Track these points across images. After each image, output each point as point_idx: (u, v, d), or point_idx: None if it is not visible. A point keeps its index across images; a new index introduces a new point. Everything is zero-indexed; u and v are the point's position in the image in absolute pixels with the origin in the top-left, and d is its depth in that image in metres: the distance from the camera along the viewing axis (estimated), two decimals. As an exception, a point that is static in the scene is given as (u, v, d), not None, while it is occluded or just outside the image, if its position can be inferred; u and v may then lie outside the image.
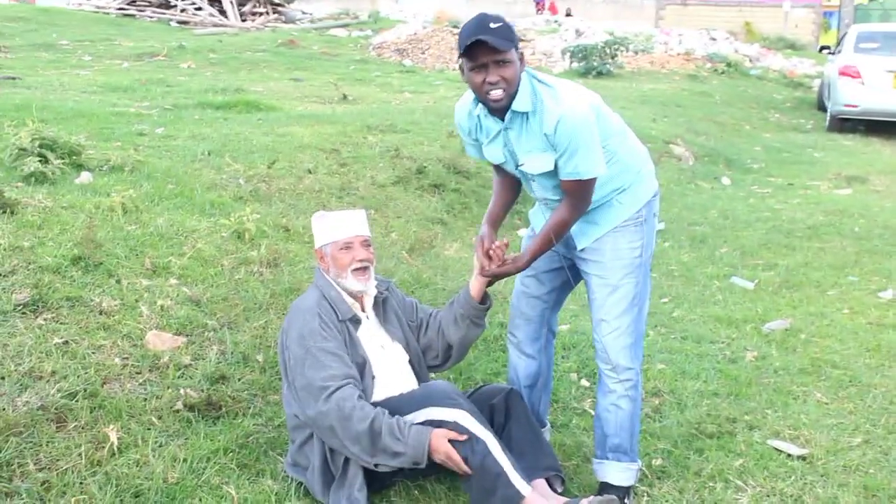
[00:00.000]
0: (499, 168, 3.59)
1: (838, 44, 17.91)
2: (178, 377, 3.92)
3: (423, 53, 20.23)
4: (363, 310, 3.63)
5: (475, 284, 3.64)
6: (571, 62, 19.36)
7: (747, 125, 15.39)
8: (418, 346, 3.76)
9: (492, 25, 3.10)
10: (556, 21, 29.43)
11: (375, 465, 3.22)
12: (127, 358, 3.92)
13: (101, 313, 4.13)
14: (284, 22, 25.80)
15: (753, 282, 6.54)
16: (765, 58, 25.09)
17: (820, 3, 40.25)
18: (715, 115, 15.18)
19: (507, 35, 3.12)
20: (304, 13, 27.85)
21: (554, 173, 3.31)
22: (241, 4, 25.58)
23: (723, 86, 19.02)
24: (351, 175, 7.21)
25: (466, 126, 3.47)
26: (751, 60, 24.01)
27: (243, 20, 24.93)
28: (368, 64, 18.89)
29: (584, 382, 4.70)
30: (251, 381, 4.08)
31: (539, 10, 38.93)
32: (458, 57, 3.18)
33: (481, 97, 3.22)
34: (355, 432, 3.19)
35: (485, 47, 3.09)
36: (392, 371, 3.59)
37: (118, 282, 4.43)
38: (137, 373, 3.86)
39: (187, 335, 4.22)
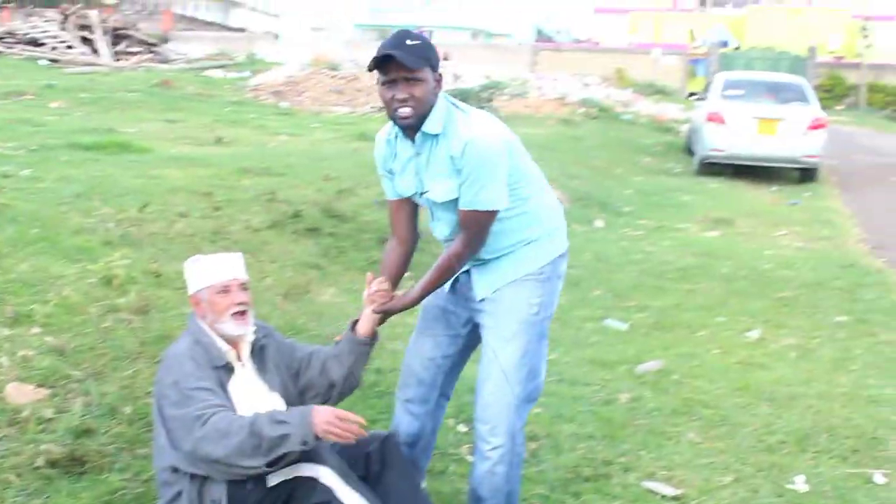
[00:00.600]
0: (397, 214, 3.55)
1: (705, 90, 18.59)
2: (40, 432, 3.74)
3: (299, 96, 20.18)
4: (239, 357, 3.52)
5: (363, 321, 3.59)
6: (448, 106, 19.58)
7: (619, 168, 15.78)
8: (296, 390, 3.67)
9: (408, 42, 3.09)
10: (433, 65, 29.79)
11: (269, 465, 3.09)
12: (-16, 412, 3.73)
13: (-45, 366, 3.94)
14: (159, 62, 25.43)
15: (626, 323, 6.67)
16: (636, 103, 25.88)
17: (687, 51, 41.76)
18: (588, 159, 15.52)
19: (422, 53, 3.10)
20: (179, 53, 27.52)
21: (457, 205, 3.26)
22: (114, 43, 25.11)
23: (595, 130, 19.48)
24: (225, 219, 7.09)
25: (383, 154, 3.44)
26: (622, 105, 24.71)
27: (116, 59, 24.46)
28: (245, 106, 18.75)
29: (462, 428, 4.69)
30: (118, 434, 3.93)
31: (417, 53, 39.27)
32: (369, 69, 3.15)
33: (390, 114, 3.18)
34: (238, 442, 3.06)
35: (395, 63, 3.06)
36: None
37: (-24, 332, 4.24)
38: (-5, 427, 3.68)
39: (50, 387, 4.04)
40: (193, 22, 53.38)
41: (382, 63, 3.09)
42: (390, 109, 3.17)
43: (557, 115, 20.53)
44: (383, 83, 3.15)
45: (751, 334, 6.42)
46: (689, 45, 42.97)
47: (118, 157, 9.28)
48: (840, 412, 5.05)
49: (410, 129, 3.22)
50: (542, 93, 24.36)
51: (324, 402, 3.67)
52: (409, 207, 3.54)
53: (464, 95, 19.41)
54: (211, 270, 3.48)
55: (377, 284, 3.47)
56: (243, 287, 3.51)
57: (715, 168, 16.05)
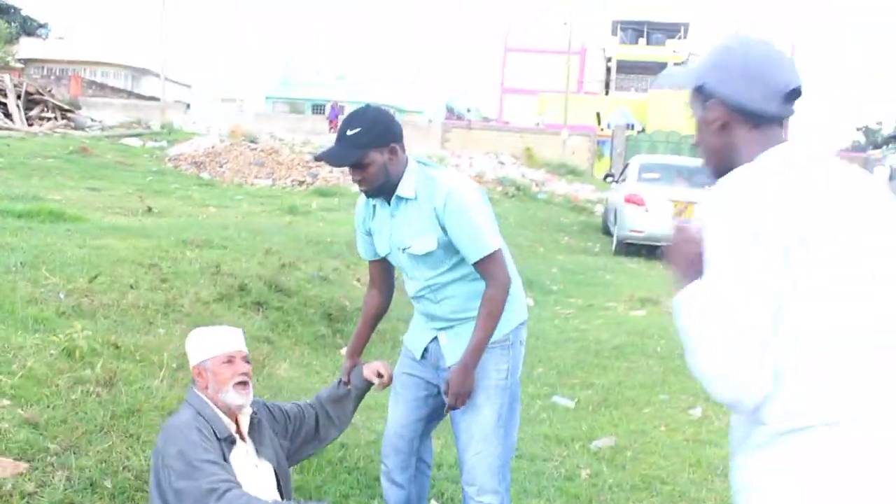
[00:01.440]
0: (375, 271, 3.83)
1: (621, 173, 19.13)
2: (24, 506, 3.69)
3: (220, 167, 20.12)
4: (238, 430, 3.57)
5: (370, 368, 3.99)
6: (370, 181, 19.76)
7: (541, 247, 16.11)
8: (292, 447, 3.88)
9: (348, 133, 3.38)
10: (350, 140, 30.03)
11: None
12: (-34, 487, 3.66)
13: (-68, 439, 3.86)
14: (74, 128, 25.11)
15: (573, 401, 6.82)
16: (550, 183, 26.48)
17: (594, 132, 42.91)
18: (511, 238, 15.77)
19: (359, 142, 3.36)
20: (93, 120, 27.22)
21: (437, 256, 3.48)
22: (27, 108, 24.73)
23: (514, 209, 19.87)
24: (174, 291, 7.06)
25: (362, 214, 3.72)
26: (537, 185, 25.27)
27: (30, 125, 24.08)
28: (166, 175, 18.64)
29: None
30: (101, 509, 3.89)
31: (333, 128, 39.55)
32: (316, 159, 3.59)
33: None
34: None
35: (332, 160, 3.42)
36: (260, 493, 3.53)
37: (-53, 404, 4.16)
38: (-21, 503, 3.62)
39: (28, 460, 3.98)
40: (102, 88, 52.79)
41: (321, 159, 3.45)
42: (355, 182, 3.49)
43: (476, 193, 20.86)
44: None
45: (693, 412, 6.61)
46: (596, 127, 44.18)
47: (53, 227, 9.16)
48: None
49: (382, 194, 3.52)
50: (460, 170, 24.76)
51: (325, 445, 4.05)
52: (386, 263, 3.82)
53: (385, 171, 19.67)
54: (217, 341, 3.63)
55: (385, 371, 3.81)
56: (246, 359, 3.66)
57: (632, 248, 16.48)
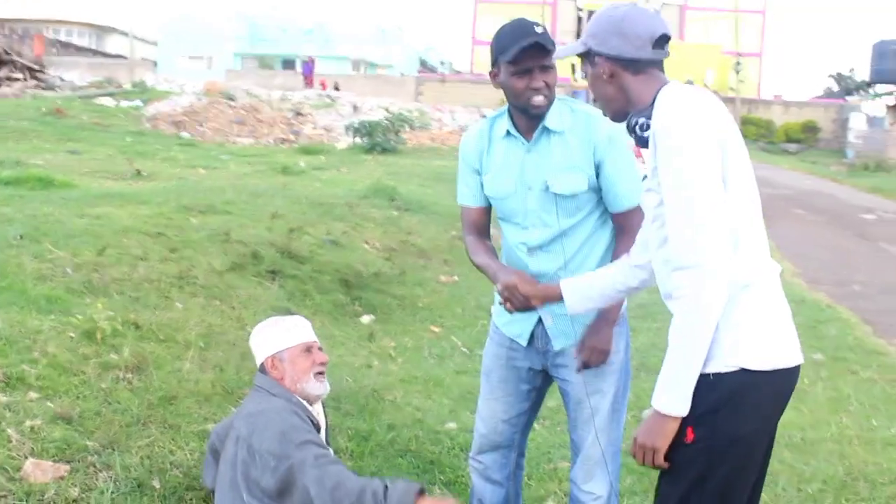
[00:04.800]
0: (478, 218, 3.35)
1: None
2: (70, 515, 3.32)
3: (200, 126, 19.60)
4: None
5: None
6: (355, 138, 19.31)
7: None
8: None
9: (537, 30, 2.98)
10: (327, 96, 29.43)
11: None
12: (5, 497, 3.28)
13: (-40, 441, 3.47)
14: (44, 89, 24.37)
15: (612, 367, 6.51)
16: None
17: (570, 82, 42.50)
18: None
19: (552, 39, 3.00)
20: (62, 80, 26.46)
21: (580, 199, 3.13)
22: (-6, 69, 24.00)
23: (503, 163, 19.48)
24: (185, 262, 6.65)
25: (474, 148, 3.24)
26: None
27: (-2, 86, 23.37)
28: (145, 136, 18.10)
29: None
30: (153, 514, 3.53)
31: (308, 84, 38.88)
32: (494, 64, 3.05)
33: (521, 104, 3.05)
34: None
35: (536, 50, 2.95)
36: None
37: (-30, 399, 3.77)
38: (22, 514, 3.24)
39: (68, 461, 3.60)
40: (67, 47, 51.67)
41: (525, 51, 2.96)
42: (523, 99, 3.03)
43: (463, 148, 20.46)
44: (514, 73, 3.00)
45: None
46: (571, 78, 43.73)
47: (43, 193, 8.74)
48: (865, 457, 4.97)
49: (534, 120, 3.10)
50: (442, 124, 24.34)
51: None
52: (486, 212, 3.36)
53: (371, 128, 19.20)
54: (293, 331, 3.48)
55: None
56: (321, 349, 3.50)
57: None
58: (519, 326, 3.28)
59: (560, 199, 3.12)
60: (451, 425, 5.10)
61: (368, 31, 65.30)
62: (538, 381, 3.43)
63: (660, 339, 7.27)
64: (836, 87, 69.21)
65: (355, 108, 23.92)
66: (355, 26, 65.29)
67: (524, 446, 3.62)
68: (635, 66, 2.54)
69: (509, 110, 3.17)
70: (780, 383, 2.44)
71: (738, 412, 2.35)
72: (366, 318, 7.18)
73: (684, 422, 2.36)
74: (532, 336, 3.31)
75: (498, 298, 3.42)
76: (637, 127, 2.54)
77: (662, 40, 2.56)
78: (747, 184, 2.44)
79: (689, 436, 2.36)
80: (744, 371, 2.34)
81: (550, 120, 3.09)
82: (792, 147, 42.23)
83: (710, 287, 2.26)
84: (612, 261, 3.14)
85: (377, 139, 18.61)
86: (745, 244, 2.39)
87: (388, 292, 7.88)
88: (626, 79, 2.56)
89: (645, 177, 2.53)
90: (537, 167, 3.13)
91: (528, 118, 3.11)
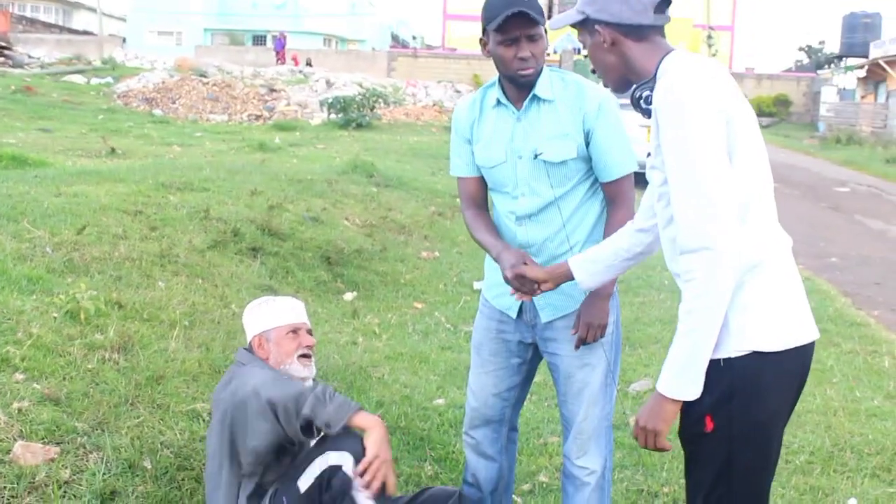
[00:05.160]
0: (473, 189, 3.32)
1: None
2: (62, 497, 3.28)
3: (173, 103, 19.39)
4: None
5: None
6: (330, 114, 19.18)
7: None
8: None
9: None
10: (300, 72, 29.20)
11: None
12: (-5, 479, 3.23)
13: (-52, 423, 3.42)
14: (12, 66, 24.02)
15: (596, 341, 6.51)
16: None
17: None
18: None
19: (539, 10, 2.96)
20: (31, 57, 26.08)
21: (569, 167, 3.11)
22: (-39, 46, 23.61)
23: (479, 138, 19.43)
24: (165, 240, 6.57)
25: (466, 118, 3.24)
26: (495, 113, 24.81)
27: (-35, 63, 23.00)
28: (117, 113, 17.91)
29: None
30: (145, 494, 3.49)
31: (280, 60, 38.56)
32: (484, 32, 3.03)
33: (510, 73, 3.04)
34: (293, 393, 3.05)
35: (522, 19, 2.93)
36: None
37: (-43, 381, 3.71)
38: (13, 496, 3.19)
39: (58, 443, 3.56)
40: (33, 24, 50.98)
41: (510, 20, 2.94)
42: (512, 69, 3.03)
43: (439, 123, 20.45)
44: (502, 42, 3.00)
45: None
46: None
47: (18, 172, 8.64)
48: (850, 428, 5.01)
49: (524, 89, 3.10)
50: (416, 100, 24.24)
51: None
52: (482, 183, 3.32)
53: (345, 104, 19.07)
54: (280, 312, 3.41)
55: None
56: (309, 331, 3.45)
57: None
58: (508, 299, 3.25)
59: (551, 167, 3.11)
60: (440, 401, 5.09)
61: (339, 5, 64.73)
62: (528, 355, 3.40)
63: (643, 314, 7.30)
64: (806, 60, 69.49)
65: (328, 83, 23.76)
66: (326, 1, 64.73)
67: (516, 421, 3.59)
68: (637, 32, 2.46)
69: (500, 79, 3.15)
70: (795, 362, 2.38)
71: (754, 397, 2.31)
72: (349, 295, 7.15)
73: (702, 411, 2.32)
74: (521, 309, 3.29)
75: (488, 274, 3.40)
76: (641, 100, 2.47)
77: (663, 4, 2.48)
78: (756, 157, 2.35)
79: (709, 425, 2.33)
80: (756, 354, 2.29)
81: (541, 88, 3.08)
82: (764, 121, 42.38)
83: (720, 270, 2.20)
84: (604, 232, 3.13)
85: (352, 115, 18.50)
86: (753, 220, 2.32)
87: (369, 269, 7.84)
88: (627, 46, 2.48)
89: (649, 154, 2.45)
90: (527, 135, 3.12)
91: (517, 87, 3.10)
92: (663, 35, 2.51)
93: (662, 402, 2.32)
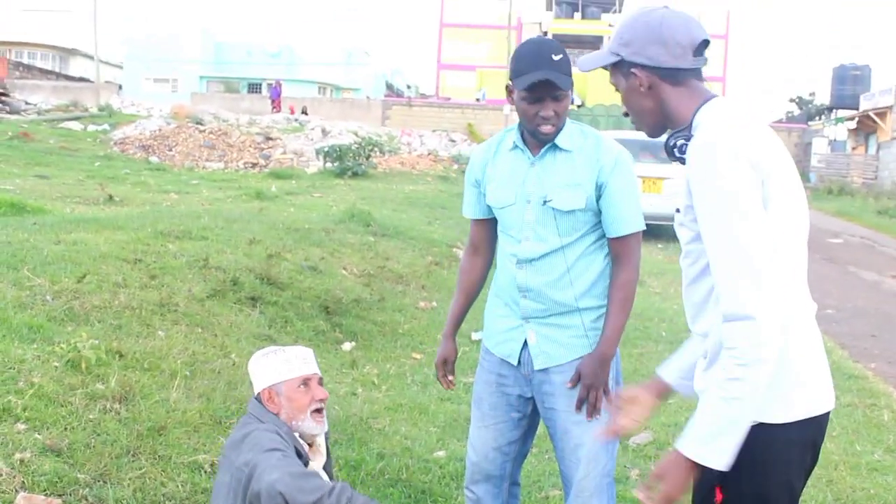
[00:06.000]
0: (479, 234, 3.42)
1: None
2: (65, 551, 3.26)
3: (170, 150, 19.48)
4: (312, 458, 3.22)
5: None
6: (325, 162, 19.26)
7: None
8: None
9: (554, 58, 2.99)
10: (296, 120, 29.38)
11: None
12: (-2, 531, 3.22)
13: (-50, 475, 3.40)
14: (9, 112, 24.14)
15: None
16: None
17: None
18: (479, 217, 15.44)
19: (568, 69, 3.02)
20: (28, 103, 26.22)
21: (577, 217, 3.15)
22: (-42, 93, 23.72)
23: (474, 187, 19.48)
24: (165, 289, 6.57)
25: (480, 159, 3.30)
26: (490, 162, 24.91)
27: (-38, 110, 23.09)
28: (114, 160, 17.97)
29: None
30: (148, 548, 3.47)
31: (276, 108, 38.77)
32: (511, 84, 3.08)
33: (530, 127, 3.09)
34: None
35: (548, 85, 2.98)
36: None
37: (-42, 432, 3.69)
38: (16, 550, 3.18)
39: (60, 494, 3.55)
40: (30, 70, 51.22)
41: (535, 85, 2.99)
42: (531, 124, 3.09)
43: (434, 172, 20.52)
44: (525, 98, 3.05)
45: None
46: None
47: (16, 219, 8.64)
48: (852, 483, 4.99)
49: (545, 141, 3.15)
50: (411, 148, 24.37)
51: None
52: (491, 225, 3.40)
53: (341, 152, 19.16)
54: (291, 363, 3.29)
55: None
56: (321, 382, 3.34)
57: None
58: (509, 346, 3.27)
59: (559, 215, 3.14)
60: (440, 454, 5.07)
61: (334, 54, 65.26)
62: (528, 409, 3.39)
63: (641, 366, 7.29)
64: (797, 111, 70.07)
65: (324, 132, 23.89)
66: (321, 50, 65.21)
67: (518, 476, 3.57)
68: (674, 76, 2.37)
69: (520, 124, 3.20)
70: (805, 433, 2.28)
71: (760, 468, 2.24)
72: (347, 345, 7.13)
73: (711, 481, 2.25)
74: (520, 360, 3.30)
75: (488, 323, 3.42)
76: (675, 149, 2.39)
77: (702, 46, 2.39)
78: (789, 216, 2.26)
79: (718, 496, 2.28)
80: (762, 426, 2.20)
81: (561, 139, 3.14)
82: (756, 171, 42.59)
83: (765, 340, 2.09)
84: (609, 292, 3.16)
85: (348, 163, 18.57)
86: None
87: (368, 318, 7.84)
88: (664, 91, 2.39)
89: (678, 210, 2.37)
90: (539, 181, 3.16)
91: (535, 137, 3.16)
92: (701, 78, 2.43)
93: (684, 465, 2.19)
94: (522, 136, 3.20)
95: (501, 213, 3.26)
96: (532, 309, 3.22)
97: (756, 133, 2.25)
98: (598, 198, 3.13)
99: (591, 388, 3.12)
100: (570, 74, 3.03)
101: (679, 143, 2.37)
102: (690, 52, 2.36)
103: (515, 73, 3.03)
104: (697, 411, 2.22)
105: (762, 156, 2.21)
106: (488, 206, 3.32)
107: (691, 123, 2.36)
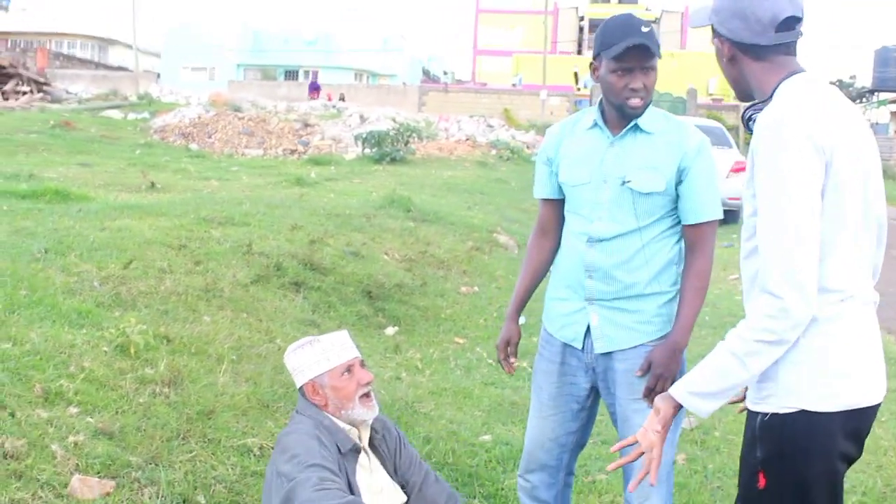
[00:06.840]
0: (548, 214, 3.36)
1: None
2: (120, 532, 3.29)
3: (209, 138, 19.59)
4: (361, 440, 3.20)
5: None
6: (364, 148, 19.29)
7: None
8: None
9: (643, 29, 2.96)
10: (333, 106, 29.45)
11: None
12: (54, 513, 3.25)
13: (6, 457, 3.44)
14: (51, 101, 24.39)
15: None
16: (539, 144, 26.07)
17: (572, 92, 42.50)
18: (518, 203, 15.40)
19: (657, 41, 2.98)
20: (69, 92, 26.50)
21: (654, 200, 3.09)
22: (1, 82, 23.98)
23: (512, 172, 19.47)
24: (210, 274, 6.62)
25: (554, 138, 3.27)
26: (528, 147, 24.85)
27: (5, 99, 23.35)
28: (154, 148, 18.10)
29: None
30: (201, 530, 3.50)
31: (313, 96, 38.88)
32: (596, 57, 3.04)
33: (618, 101, 3.04)
34: None
35: (641, 51, 2.95)
36: None
37: (12, 415, 3.74)
38: (72, 531, 3.21)
39: (113, 477, 3.58)
40: (70, 60, 51.75)
41: (630, 51, 2.96)
42: (620, 97, 3.04)
43: (472, 158, 20.47)
44: (615, 70, 3.01)
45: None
46: (573, 87, 43.73)
47: (61, 206, 8.73)
48: (900, 468, 4.94)
49: (627, 118, 3.10)
50: (449, 134, 24.32)
51: None
52: (560, 207, 3.32)
53: (379, 138, 19.18)
54: (330, 352, 3.18)
55: None
56: (363, 364, 3.25)
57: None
58: (573, 330, 3.23)
59: (636, 197, 3.09)
60: (486, 437, 5.07)
61: (371, 41, 65.34)
62: (588, 401, 3.34)
63: (705, 350, 7.23)
64: (838, 95, 69.10)
65: (362, 118, 23.94)
66: (358, 36, 65.31)
67: (573, 466, 3.52)
68: (755, 51, 2.36)
69: (601, 102, 3.16)
70: (849, 425, 2.26)
71: (802, 456, 2.24)
72: (390, 330, 7.15)
73: (755, 466, 2.30)
74: (583, 346, 3.26)
75: (549, 305, 3.37)
76: (748, 121, 2.42)
77: (789, 22, 2.34)
78: (855, 202, 2.25)
79: (762, 482, 2.29)
80: (805, 412, 2.23)
81: (644, 119, 3.09)
82: (797, 155, 42.16)
83: (787, 324, 2.15)
84: (682, 281, 3.13)
85: (386, 149, 18.59)
86: (828, 267, 2.22)
87: (410, 303, 7.84)
88: (746, 64, 2.40)
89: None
90: (618, 161, 3.11)
91: (620, 115, 3.11)
92: (792, 52, 2.39)
93: (669, 404, 2.44)
94: (603, 115, 3.15)
95: (573, 192, 3.20)
96: (597, 290, 3.16)
97: (830, 115, 2.23)
98: (678, 183, 3.07)
99: (661, 378, 3.07)
100: (659, 47, 3.00)
101: (754, 115, 2.40)
102: (772, 29, 2.33)
103: (604, 46, 2.99)
104: (704, 365, 2.33)
105: (831, 139, 2.19)
106: (559, 187, 3.26)
107: (771, 97, 2.34)
